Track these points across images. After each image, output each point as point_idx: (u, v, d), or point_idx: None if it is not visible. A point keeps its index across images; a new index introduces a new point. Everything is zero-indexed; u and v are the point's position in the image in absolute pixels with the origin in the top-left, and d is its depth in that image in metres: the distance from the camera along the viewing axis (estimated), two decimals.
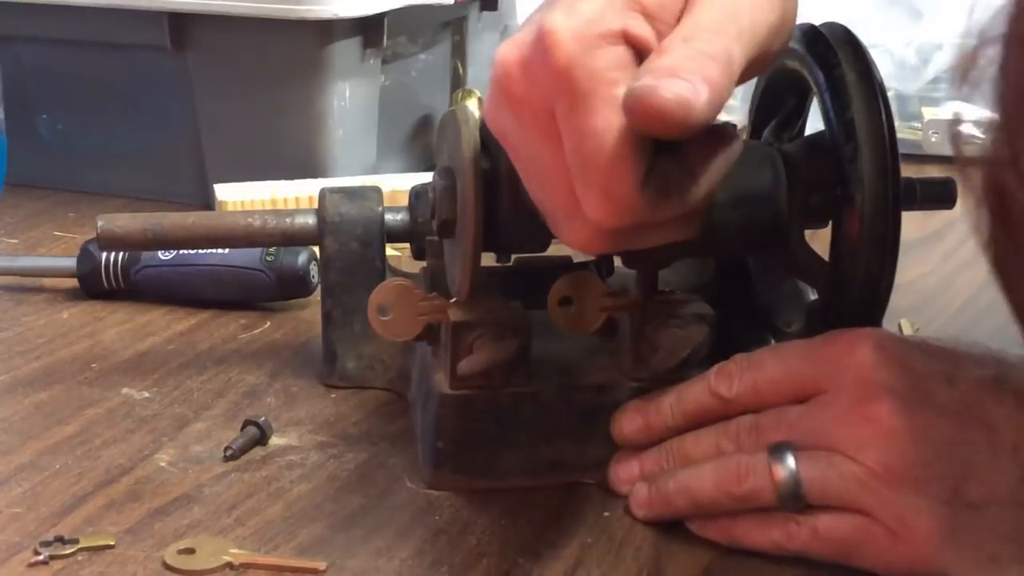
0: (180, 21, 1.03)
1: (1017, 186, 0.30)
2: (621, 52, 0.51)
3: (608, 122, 0.50)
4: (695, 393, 0.62)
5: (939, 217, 0.99)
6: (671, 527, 0.61)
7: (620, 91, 0.50)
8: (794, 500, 0.57)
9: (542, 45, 0.51)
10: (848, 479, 0.56)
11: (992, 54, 0.31)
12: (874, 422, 0.56)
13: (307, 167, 1.02)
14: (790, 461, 0.57)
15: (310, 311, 0.85)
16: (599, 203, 0.52)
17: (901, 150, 0.64)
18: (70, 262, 0.87)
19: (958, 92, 0.34)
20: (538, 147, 0.53)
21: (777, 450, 0.58)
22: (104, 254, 0.85)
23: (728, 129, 0.56)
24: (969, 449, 0.54)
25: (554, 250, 0.67)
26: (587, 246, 0.55)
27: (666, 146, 0.53)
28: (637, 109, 0.49)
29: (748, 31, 0.52)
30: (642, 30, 0.52)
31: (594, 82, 0.51)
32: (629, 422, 0.63)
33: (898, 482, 0.55)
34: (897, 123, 0.64)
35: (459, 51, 1.23)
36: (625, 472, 0.63)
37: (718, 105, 0.50)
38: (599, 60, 0.51)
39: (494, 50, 0.56)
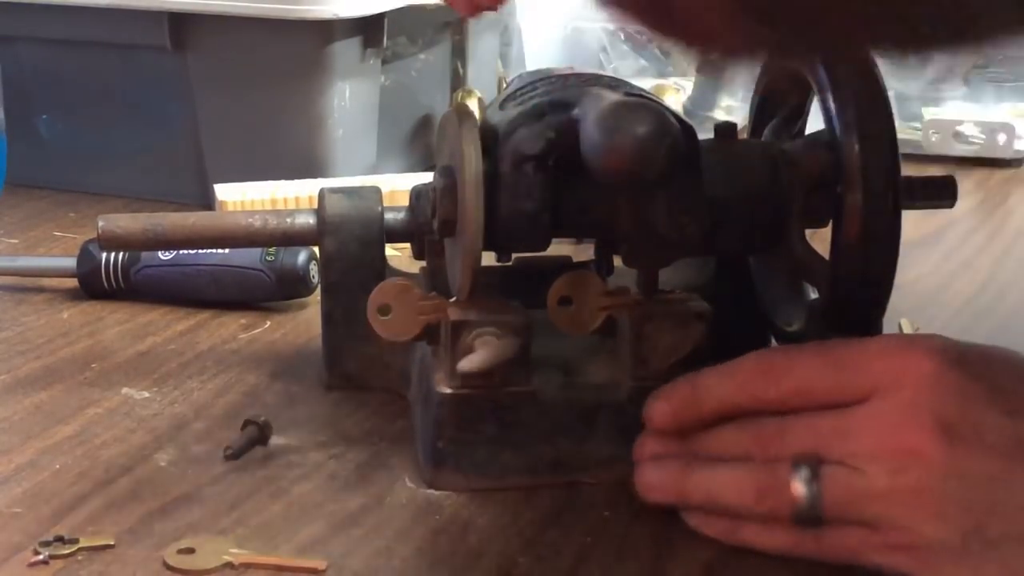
0: (180, 21, 1.03)
1: None
2: None
3: None
4: (730, 388, 0.59)
5: (939, 217, 1.00)
6: (671, 527, 0.61)
7: None
8: (811, 521, 0.56)
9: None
10: (872, 500, 0.54)
11: None
12: (913, 452, 0.53)
13: (307, 167, 1.02)
14: (813, 484, 0.55)
15: (310, 311, 0.85)
16: None
17: (901, 150, 0.64)
18: (70, 262, 0.87)
19: None
20: None
21: (802, 466, 0.56)
22: (104, 254, 0.85)
23: None
24: (1004, 488, 0.53)
25: (554, 250, 0.67)
26: None
27: None
28: None
29: None
30: None
31: None
32: (659, 409, 0.61)
33: (922, 510, 0.53)
34: (897, 123, 0.64)
35: (459, 51, 1.23)
36: (645, 450, 0.61)
37: None
38: None
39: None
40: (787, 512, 0.56)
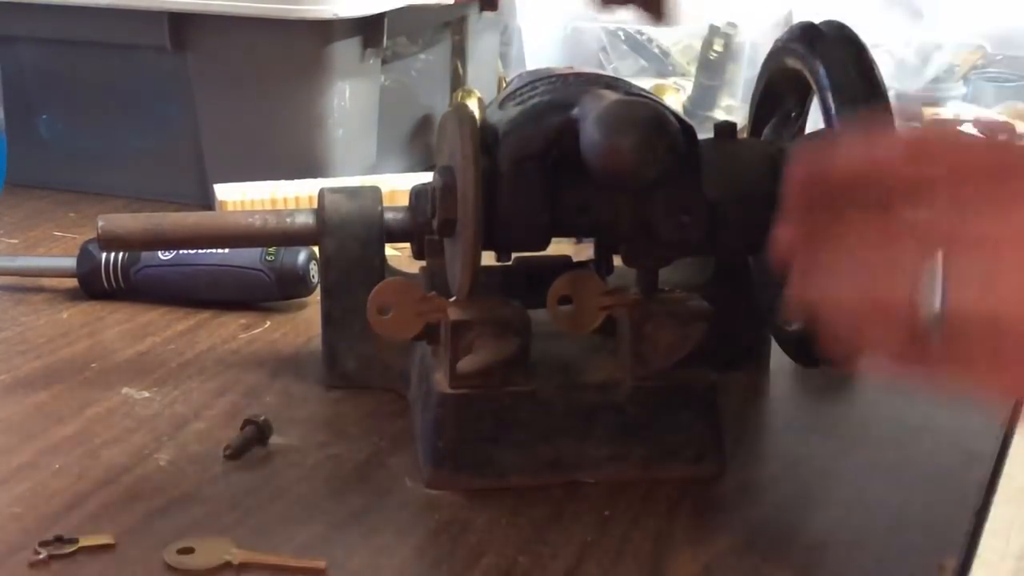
0: (180, 21, 1.03)
1: None
2: None
3: None
4: (871, 148, 0.51)
5: None
6: (671, 527, 0.61)
7: None
8: (930, 336, 0.47)
9: None
10: (1005, 289, 0.46)
11: None
12: None
13: (307, 167, 1.02)
14: (937, 288, 0.47)
15: (310, 311, 0.85)
16: None
17: None
18: (70, 262, 0.87)
19: None
20: None
21: (926, 272, 0.47)
22: (104, 254, 0.85)
23: None
24: None
25: (554, 250, 0.67)
26: None
27: None
28: None
29: None
30: None
31: None
32: (794, 169, 0.53)
33: None
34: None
35: (459, 51, 1.23)
36: (779, 235, 0.53)
37: None
38: None
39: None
40: (904, 331, 0.48)
